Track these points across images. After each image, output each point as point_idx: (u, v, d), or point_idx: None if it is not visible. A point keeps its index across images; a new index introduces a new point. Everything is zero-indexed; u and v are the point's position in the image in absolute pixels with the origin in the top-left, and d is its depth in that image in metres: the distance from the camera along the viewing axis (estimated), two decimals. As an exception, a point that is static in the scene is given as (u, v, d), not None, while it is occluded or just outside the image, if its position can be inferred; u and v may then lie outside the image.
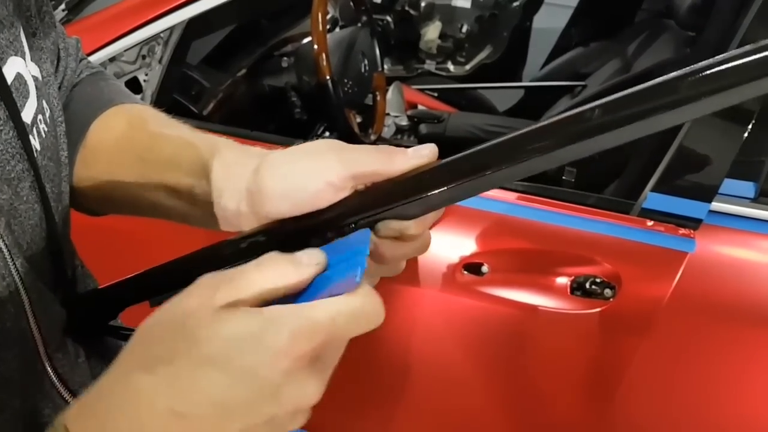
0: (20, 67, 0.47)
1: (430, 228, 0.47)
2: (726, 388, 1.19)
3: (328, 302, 0.35)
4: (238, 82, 1.76)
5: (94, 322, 0.52)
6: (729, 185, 1.12)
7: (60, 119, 0.53)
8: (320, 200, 0.44)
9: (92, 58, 1.37)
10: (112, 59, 1.37)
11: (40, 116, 0.49)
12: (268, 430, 0.36)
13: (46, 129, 0.49)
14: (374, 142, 1.87)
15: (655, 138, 1.28)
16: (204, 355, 0.34)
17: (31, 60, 0.50)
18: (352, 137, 1.73)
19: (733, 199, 1.13)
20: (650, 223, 1.15)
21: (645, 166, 1.23)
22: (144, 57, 1.37)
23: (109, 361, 0.54)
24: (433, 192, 0.41)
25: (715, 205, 1.13)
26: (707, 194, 1.12)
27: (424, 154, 0.43)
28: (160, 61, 1.37)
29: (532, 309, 1.19)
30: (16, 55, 0.46)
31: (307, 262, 0.38)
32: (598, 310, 1.16)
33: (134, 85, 1.40)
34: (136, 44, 1.35)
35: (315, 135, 1.93)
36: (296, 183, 0.44)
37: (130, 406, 0.35)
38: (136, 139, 0.56)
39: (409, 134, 2.17)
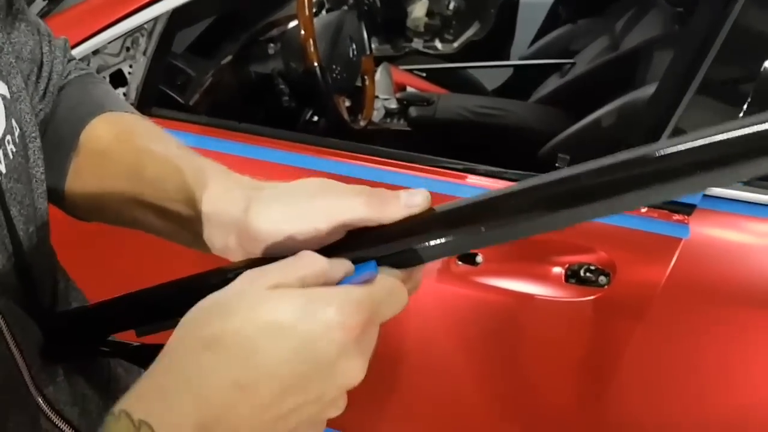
0: None
1: None
2: (722, 371, 1.19)
3: (364, 285, 0.39)
4: (224, 70, 1.74)
5: (75, 343, 0.51)
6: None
7: (33, 135, 0.51)
8: (310, 245, 0.43)
9: (74, 52, 1.34)
10: (95, 52, 1.34)
11: (8, 137, 0.47)
12: (315, 410, 0.37)
13: (14, 149, 0.48)
14: (364, 127, 1.86)
15: (648, 122, 1.28)
16: (261, 330, 0.36)
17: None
18: (342, 123, 1.72)
19: (726, 182, 1.13)
20: (644, 209, 1.14)
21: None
22: (128, 49, 1.35)
23: (89, 376, 0.53)
24: (424, 244, 0.41)
25: (709, 189, 1.13)
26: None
27: (417, 202, 0.42)
28: (144, 53, 1.35)
29: (528, 298, 1.19)
30: None
31: (338, 263, 0.40)
32: (593, 297, 1.16)
33: (119, 78, 1.37)
34: (120, 36, 1.32)
35: (303, 121, 1.92)
36: (286, 228, 0.44)
37: (193, 384, 0.36)
38: (122, 154, 0.55)
39: (398, 117, 2.15)
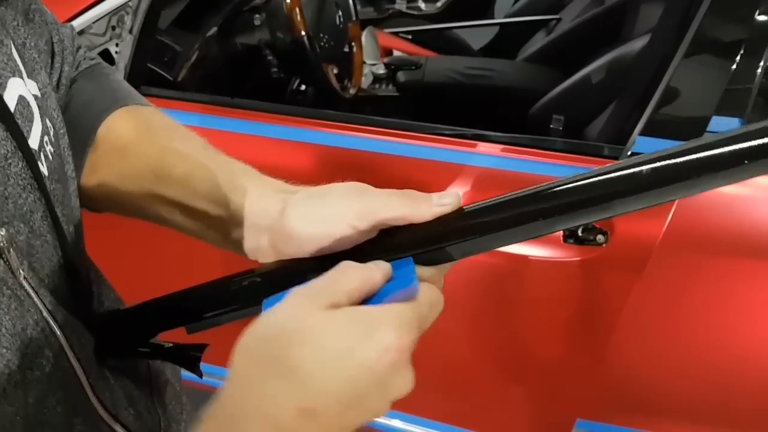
0: (20, 88, 0.45)
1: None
2: (719, 321, 1.22)
3: (409, 301, 0.40)
4: (210, 43, 1.71)
5: (123, 344, 0.52)
6: (715, 122, 1.13)
7: (62, 131, 0.51)
8: (344, 244, 0.45)
9: (60, 33, 1.32)
10: (80, 33, 1.32)
11: (45, 138, 0.47)
12: (367, 419, 0.39)
13: (52, 150, 0.48)
14: (354, 95, 1.85)
15: (641, 76, 1.28)
16: (321, 353, 0.37)
17: (28, 76, 0.48)
18: (331, 92, 1.71)
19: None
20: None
21: (632, 110, 1.22)
22: (114, 28, 1.33)
23: (134, 376, 0.54)
24: (453, 242, 0.42)
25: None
26: (695, 134, 1.12)
27: (448, 202, 0.43)
28: (130, 31, 1.33)
29: (526, 259, 1.20)
30: (14, 75, 0.45)
31: (375, 268, 0.41)
32: (592, 256, 1.18)
33: (106, 58, 1.35)
34: (105, 15, 1.31)
35: (291, 90, 1.90)
36: (322, 228, 0.45)
37: (259, 411, 0.37)
38: (145, 152, 0.55)
39: (387, 83, 2.14)
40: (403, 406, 1.41)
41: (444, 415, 1.43)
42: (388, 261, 0.42)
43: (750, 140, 0.36)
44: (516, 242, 0.42)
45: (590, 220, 0.40)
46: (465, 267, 1.22)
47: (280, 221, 0.47)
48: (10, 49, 0.47)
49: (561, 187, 0.40)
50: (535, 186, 0.41)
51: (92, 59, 0.63)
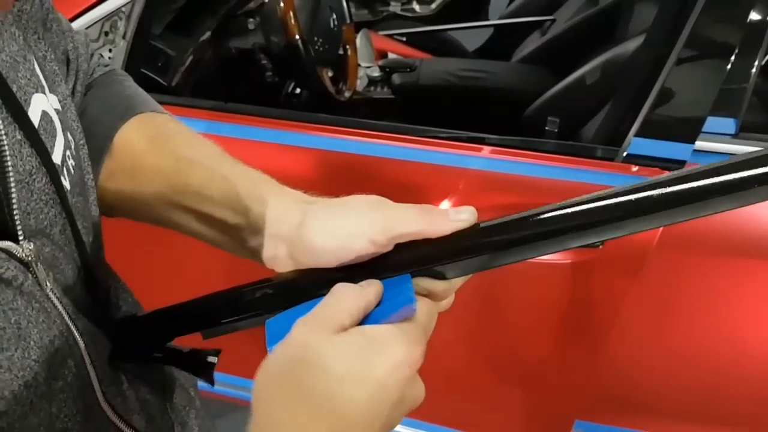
0: (43, 103, 0.45)
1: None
2: (715, 319, 1.22)
3: (411, 320, 0.42)
4: (204, 47, 1.71)
5: (137, 350, 0.52)
6: (710, 123, 1.13)
7: (82, 142, 0.52)
8: (363, 257, 0.45)
9: (53, 39, 1.32)
10: (73, 38, 1.32)
11: (67, 152, 0.48)
12: (387, 429, 0.41)
13: (73, 163, 0.48)
14: (349, 98, 1.85)
15: (635, 81, 1.28)
16: (340, 378, 0.39)
17: (50, 90, 0.48)
18: (326, 96, 1.70)
19: (715, 136, 1.14)
20: (635, 168, 1.15)
21: (627, 111, 1.22)
22: (107, 33, 1.32)
23: (148, 380, 0.54)
24: (468, 258, 0.43)
25: (698, 144, 1.13)
26: (690, 135, 1.13)
27: (464, 218, 0.44)
28: (124, 37, 1.33)
29: (524, 262, 1.20)
30: (37, 91, 0.45)
31: (367, 286, 0.43)
32: (588, 258, 1.18)
33: (99, 63, 1.35)
34: (98, 20, 1.30)
35: (286, 94, 1.90)
36: (341, 240, 0.46)
37: None
38: (161, 160, 0.55)
39: (382, 85, 2.14)
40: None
41: (443, 419, 1.43)
42: (400, 274, 0.44)
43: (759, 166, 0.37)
44: (530, 258, 0.43)
45: (603, 238, 0.41)
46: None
47: (299, 232, 0.48)
48: (33, 64, 0.47)
49: (574, 209, 0.41)
50: (548, 206, 0.42)
51: (106, 66, 0.63)
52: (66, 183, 0.46)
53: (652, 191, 0.39)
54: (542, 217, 0.41)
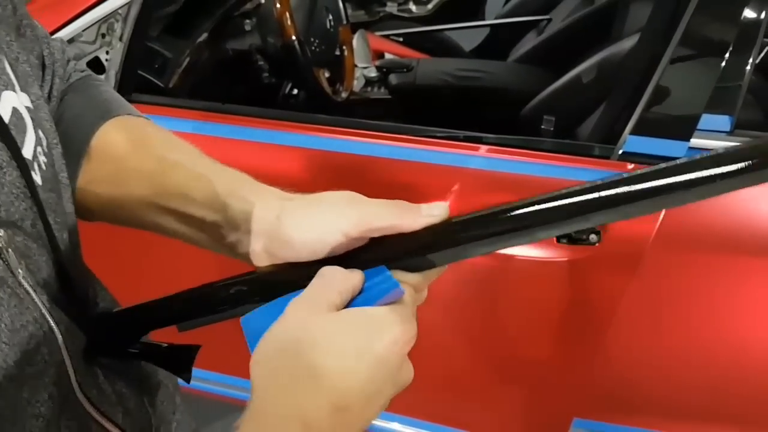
0: (14, 100, 0.46)
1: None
2: (712, 316, 1.22)
3: (402, 300, 0.44)
4: (201, 49, 1.71)
5: (113, 345, 0.53)
6: (705, 120, 1.13)
7: (55, 141, 0.52)
8: (337, 250, 0.47)
9: (50, 41, 1.32)
10: (70, 41, 1.32)
11: (38, 148, 0.48)
12: (382, 407, 0.43)
13: (45, 160, 0.49)
14: (346, 98, 1.85)
15: (630, 79, 1.28)
16: (340, 353, 0.40)
17: (21, 90, 0.49)
18: (323, 96, 1.71)
19: (710, 134, 1.14)
20: (631, 166, 1.16)
21: (623, 109, 1.23)
22: (104, 36, 1.32)
23: (125, 375, 0.54)
24: (440, 251, 0.45)
25: (693, 141, 1.14)
26: (686, 133, 1.13)
27: (436, 213, 0.46)
28: (120, 39, 1.33)
29: (520, 260, 1.21)
30: (6, 89, 0.46)
31: (350, 271, 0.45)
32: (585, 255, 1.18)
33: (96, 66, 1.35)
34: (95, 23, 1.30)
35: (283, 95, 1.90)
36: (317, 235, 0.47)
37: (296, 415, 0.40)
38: (141, 162, 0.56)
39: (379, 86, 2.14)
40: (400, 409, 1.42)
41: (442, 417, 1.43)
42: (375, 267, 0.45)
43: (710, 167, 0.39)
44: (497, 250, 0.45)
45: (570, 230, 0.43)
46: (460, 268, 1.23)
47: (276, 227, 0.49)
48: (4, 63, 0.48)
49: (541, 206, 0.42)
50: (517, 201, 0.43)
51: (82, 71, 0.64)
52: (37, 178, 0.47)
53: (617, 188, 0.40)
54: (510, 213, 0.43)
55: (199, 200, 0.53)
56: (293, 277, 0.46)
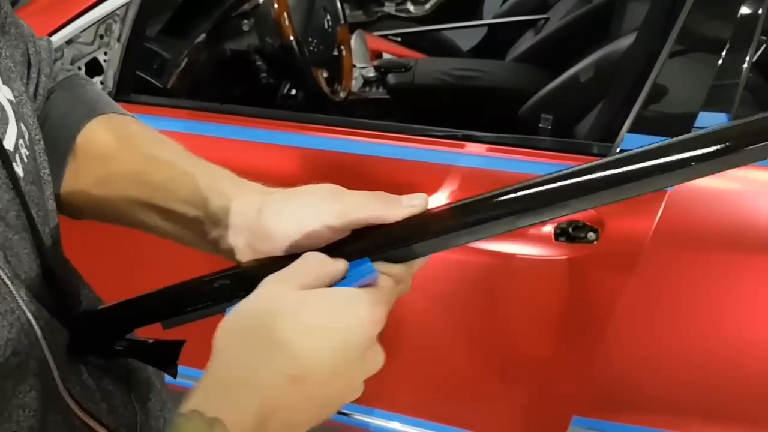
0: None
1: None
2: (710, 314, 1.22)
3: (375, 286, 0.44)
4: (199, 49, 1.72)
5: (98, 342, 0.53)
6: (702, 118, 1.13)
7: (37, 137, 0.52)
8: (319, 242, 0.47)
9: (48, 43, 1.32)
10: (68, 42, 1.32)
11: (20, 141, 0.48)
12: (346, 394, 0.42)
13: (27, 153, 0.49)
14: (345, 98, 1.85)
15: (628, 78, 1.29)
16: (304, 327, 0.40)
17: (3, 83, 0.49)
18: (322, 96, 1.71)
19: (708, 131, 1.15)
20: (628, 164, 1.16)
21: (620, 107, 1.23)
22: (102, 36, 1.32)
23: (110, 372, 0.54)
24: (421, 241, 0.45)
25: (691, 139, 1.14)
26: (683, 130, 1.13)
27: (417, 204, 0.46)
28: (119, 39, 1.33)
29: (519, 259, 1.21)
30: None
31: (335, 259, 0.44)
32: (583, 253, 1.18)
33: (95, 66, 1.36)
34: (93, 24, 1.31)
35: (281, 95, 1.91)
36: (298, 227, 0.47)
37: (254, 381, 0.40)
38: (127, 160, 0.56)
39: (377, 86, 2.14)
40: (399, 408, 1.42)
41: (441, 416, 1.43)
42: (359, 259, 0.45)
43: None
44: (478, 239, 0.45)
45: (550, 217, 0.44)
46: (458, 266, 1.23)
47: (258, 221, 0.49)
48: None
49: (519, 194, 0.43)
50: (495, 190, 0.44)
51: (68, 70, 0.65)
52: (19, 170, 0.47)
53: (593, 174, 0.41)
54: (489, 202, 0.44)
55: (181, 196, 0.53)
56: (276, 269, 0.46)
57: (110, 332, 0.52)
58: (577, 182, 0.41)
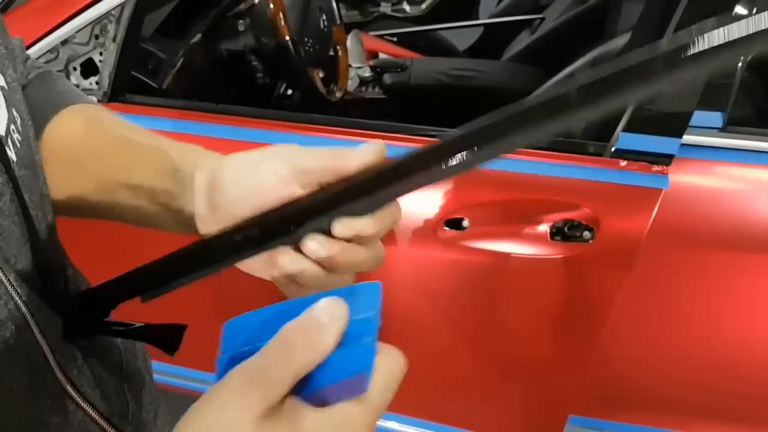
0: None
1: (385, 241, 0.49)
2: (710, 313, 1.23)
3: (360, 399, 0.35)
4: (195, 50, 1.71)
5: (88, 323, 0.53)
6: (697, 116, 1.14)
7: (29, 123, 0.53)
8: (273, 193, 0.47)
9: (42, 43, 1.32)
10: (64, 42, 1.32)
11: (12, 126, 0.48)
12: None
13: (19, 138, 0.49)
14: (341, 98, 1.85)
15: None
16: None
17: None
18: (318, 96, 1.71)
19: (702, 130, 1.15)
20: (624, 163, 1.16)
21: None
22: (97, 37, 1.32)
23: (104, 359, 0.54)
24: (382, 189, 0.44)
25: (685, 138, 1.14)
26: (678, 129, 1.14)
27: (372, 149, 0.45)
28: (114, 40, 1.33)
29: (515, 258, 1.21)
30: None
31: (329, 323, 0.35)
32: (579, 252, 1.19)
33: (90, 67, 1.35)
34: (88, 24, 1.30)
35: (277, 95, 1.91)
36: (252, 181, 0.48)
37: None
38: (95, 146, 0.57)
39: (373, 85, 2.14)
40: (396, 407, 1.42)
41: (438, 415, 1.44)
42: (321, 216, 0.44)
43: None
44: (439, 181, 0.43)
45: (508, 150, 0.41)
46: (455, 266, 1.24)
47: (214, 184, 0.50)
48: None
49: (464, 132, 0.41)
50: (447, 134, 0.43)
51: (39, 68, 0.65)
52: (11, 154, 0.47)
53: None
54: (443, 142, 0.42)
55: (149, 170, 0.54)
56: (238, 236, 0.46)
57: (103, 307, 0.53)
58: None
